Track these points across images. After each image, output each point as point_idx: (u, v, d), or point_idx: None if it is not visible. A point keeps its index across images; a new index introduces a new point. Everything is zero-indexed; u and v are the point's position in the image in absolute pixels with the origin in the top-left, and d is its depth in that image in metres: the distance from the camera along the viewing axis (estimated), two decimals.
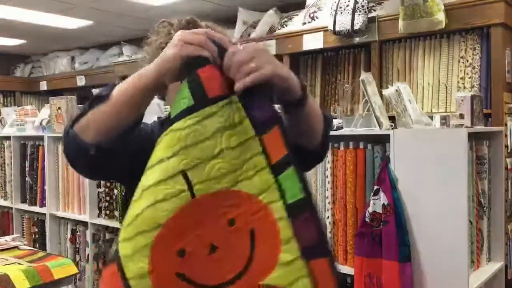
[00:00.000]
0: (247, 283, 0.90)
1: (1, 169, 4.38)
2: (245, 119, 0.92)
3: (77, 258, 3.71)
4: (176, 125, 0.89)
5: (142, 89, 0.94)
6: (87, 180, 3.48)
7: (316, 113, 1.10)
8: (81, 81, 6.01)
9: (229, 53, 0.92)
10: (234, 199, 0.91)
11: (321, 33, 3.39)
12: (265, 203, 0.91)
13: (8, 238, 2.84)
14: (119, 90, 0.96)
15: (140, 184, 0.90)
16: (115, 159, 1.00)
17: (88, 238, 3.53)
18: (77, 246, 3.73)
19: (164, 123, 0.92)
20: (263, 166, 0.92)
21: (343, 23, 3.12)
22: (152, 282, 0.87)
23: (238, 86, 0.90)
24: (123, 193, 3.31)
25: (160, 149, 0.89)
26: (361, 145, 2.29)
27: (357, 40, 3.21)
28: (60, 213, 3.80)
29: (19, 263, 2.40)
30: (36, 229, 4.05)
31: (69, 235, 3.77)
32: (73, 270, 2.47)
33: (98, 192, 3.50)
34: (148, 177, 0.89)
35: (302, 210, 0.91)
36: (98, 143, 0.97)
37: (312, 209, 0.93)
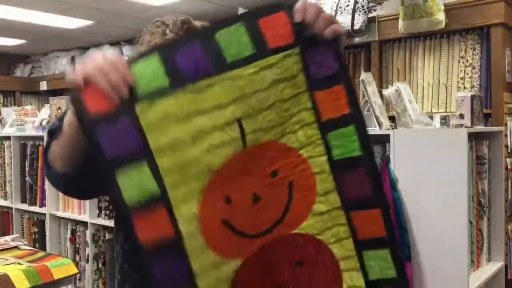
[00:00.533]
0: (281, 233, 0.95)
1: (1, 169, 4.38)
2: (300, 72, 0.92)
3: (77, 258, 3.71)
4: (234, 73, 0.88)
5: (70, 123, 0.92)
6: None
7: None
8: None
9: (303, 3, 0.92)
10: (278, 151, 0.94)
11: None
12: (305, 157, 0.95)
13: (8, 238, 2.84)
14: (66, 121, 0.94)
15: (183, 130, 0.86)
16: (89, 180, 0.98)
17: (88, 238, 3.52)
18: (77, 246, 3.72)
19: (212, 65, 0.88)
20: (310, 121, 0.94)
21: (343, 23, 3.11)
22: (200, 226, 0.88)
23: (330, 31, 0.92)
24: None
25: (217, 95, 0.87)
26: None
27: (357, 40, 3.21)
28: (60, 213, 3.80)
29: (19, 263, 2.39)
30: (36, 229, 4.05)
31: (69, 235, 3.77)
32: (73, 270, 2.47)
33: None
34: (201, 120, 0.87)
35: (358, 165, 0.94)
36: (66, 172, 0.99)
37: (370, 166, 0.96)
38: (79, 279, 3.63)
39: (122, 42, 5.74)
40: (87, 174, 0.97)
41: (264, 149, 0.93)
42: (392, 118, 2.36)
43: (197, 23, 1.22)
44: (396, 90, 2.22)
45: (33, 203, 4.05)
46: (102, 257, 3.49)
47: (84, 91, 0.82)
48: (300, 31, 0.91)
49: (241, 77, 0.88)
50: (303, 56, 0.92)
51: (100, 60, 0.83)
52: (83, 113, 0.82)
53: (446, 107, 2.90)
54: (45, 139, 1.06)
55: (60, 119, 0.98)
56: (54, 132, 0.99)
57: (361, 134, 0.95)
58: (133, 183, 0.84)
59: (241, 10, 4.10)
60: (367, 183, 0.95)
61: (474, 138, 2.24)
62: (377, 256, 0.96)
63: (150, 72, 0.86)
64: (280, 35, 0.90)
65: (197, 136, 0.87)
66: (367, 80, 2.28)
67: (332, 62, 0.93)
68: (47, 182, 3.82)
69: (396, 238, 1.03)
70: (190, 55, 0.87)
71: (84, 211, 3.60)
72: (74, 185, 1.03)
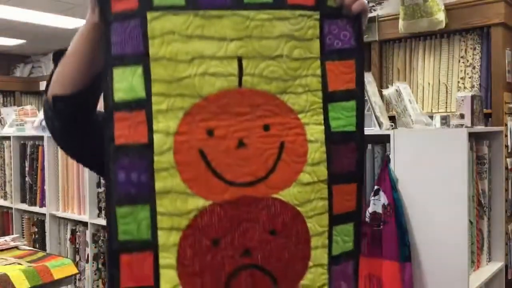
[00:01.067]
0: (261, 191, 0.91)
1: (1, 169, 4.38)
2: (317, 39, 0.94)
3: (77, 258, 3.70)
4: (246, 12, 0.90)
5: (84, 30, 0.97)
6: (87, 180, 3.48)
7: None
8: None
9: None
10: (276, 107, 0.92)
11: None
12: (303, 122, 0.94)
13: (8, 238, 2.84)
14: (75, 36, 0.98)
15: (183, 48, 0.88)
16: (86, 111, 0.98)
17: (88, 238, 3.52)
18: (77, 246, 3.72)
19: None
20: (315, 88, 0.94)
21: None
22: (174, 144, 0.87)
23: (357, 5, 0.94)
24: None
25: (223, 27, 0.89)
26: None
27: None
28: (60, 213, 3.80)
29: (19, 263, 2.39)
30: (36, 229, 4.05)
31: (69, 235, 3.77)
32: (73, 270, 2.47)
33: (98, 192, 3.50)
34: (202, 45, 0.89)
35: (351, 140, 0.96)
36: (60, 95, 0.96)
37: (360, 142, 0.98)
38: (79, 279, 3.63)
39: None
40: (82, 104, 0.97)
41: (261, 97, 0.92)
42: (392, 118, 2.35)
43: None
44: (396, 90, 2.22)
45: (33, 203, 4.05)
46: (102, 257, 3.49)
47: None
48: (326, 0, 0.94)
49: (252, 18, 0.90)
50: (322, 24, 0.94)
51: None
52: (106, 7, 0.89)
53: (446, 107, 2.90)
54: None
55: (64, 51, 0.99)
56: (58, 55, 0.99)
57: (360, 111, 0.97)
58: (125, 83, 0.87)
59: None
60: (354, 158, 0.97)
61: (474, 138, 2.24)
62: (344, 230, 0.98)
63: None
64: None
65: (194, 58, 0.88)
66: (367, 80, 2.28)
67: (350, 37, 0.96)
68: (47, 182, 3.82)
69: (361, 211, 1.02)
70: None
71: (84, 211, 3.59)
72: (67, 112, 0.97)
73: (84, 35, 0.96)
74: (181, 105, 0.88)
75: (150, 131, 0.87)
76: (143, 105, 0.87)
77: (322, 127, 0.95)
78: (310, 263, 0.95)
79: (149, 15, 0.87)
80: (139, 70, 0.87)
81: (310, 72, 0.94)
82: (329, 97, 0.95)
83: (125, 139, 0.87)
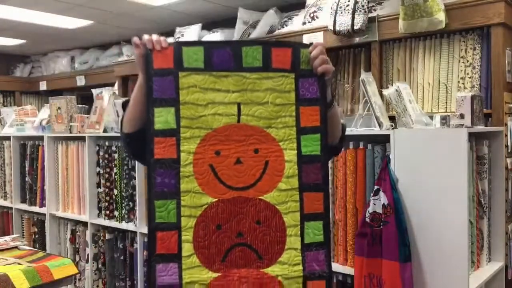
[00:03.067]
0: (251, 194, 1.34)
1: (1, 169, 4.38)
2: (293, 91, 1.37)
3: (77, 258, 3.71)
4: (244, 73, 1.35)
5: (138, 84, 1.42)
6: (87, 180, 3.49)
7: (338, 119, 1.52)
8: (81, 81, 6.01)
9: (315, 44, 1.38)
10: (264, 137, 1.36)
11: (321, 33, 3.39)
12: (282, 148, 1.36)
13: (8, 238, 2.84)
14: (131, 97, 1.46)
15: (202, 97, 1.34)
16: (142, 140, 1.39)
17: (88, 238, 3.52)
18: (77, 246, 3.72)
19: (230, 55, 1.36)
20: (291, 125, 1.36)
21: (343, 23, 3.11)
22: (193, 160, 1.33)
23: (321, 69, 1.36)
24: (122, 193, 3.31)
25: (228, 83, 1.35)
26: (361, 145, 2.28)
27: (357, 40, 3.21)
28: (60, 213, 3.80)
29: (19, 263, 2.39)
30: (36, 229, 4.05)
31: (69, 235, 3.77)
32: (73, 270, 2.47)
33: (98, 192, 3.50)
34: (214, 95, 1.35)
35: (316, 160, 1.35)
36: (130, 131, 1.46)
37: (324, 162, 1.37)
38: (79, 279, 3.63)
39: (122, 42, 5.74)
40: (141, 136, 1.39)
41: (253, 130, 1.35)
42: (392, 118, 2.35)
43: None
44: (396, 90, 2.21)
45: (33, 203, 4.05)
46: (102, 257, 3.49)
47: (153, 53, 1.35)
48: (299, 64, 1.36)
49: (248, 77, 1.36)
50: (297, 81, 1.37)
51: (149, 36, 1.40)
52: (150, 67, 1.34)
53: (446, 107, 2.90)
54: (120, 113, 1.58)
55: (128, 100, 1.49)
56: (126, 103, 1.50)
57: (323, 140, 1.36)
58: (162, 118, 1.33)
59: (241, 10, 4.10)
60: (320, 174, 1.36)
61: (474, 138, 2.24)
62: (314, 225, 1.35)
63: (195, 56, 1.35)
64: (282, 62, 1.36)
65: (208, 103, 1.34)
66: (367, 80, 2.28)
67: (316, 91, 1.37)
68: (47, 182, 3.82)
69: (329, 214, 1.40)
70: (222, 54, 1.35)
71: (84, 211, 3.60)
72: (133, 143, 1.48)
73: (138, 88, 1.41)
74: (198, 134, 1.34)
75: (178, 151, 1.33)
76: (174, 133, 1.33)
77: (295, 152, 1.36)
78: (286, 247, 1.34)
79: (180, 74, 1.34)
80: (172, 110, 1.33)
81: (287, 114, 1.37)
82: (301, 131, 1.36)
83: (161, 155, 1.32)
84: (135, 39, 1.40)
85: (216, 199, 1.32)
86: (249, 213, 1.33)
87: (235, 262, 1.32)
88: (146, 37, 1.39)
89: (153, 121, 1.32)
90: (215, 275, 1.31)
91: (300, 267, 1.33)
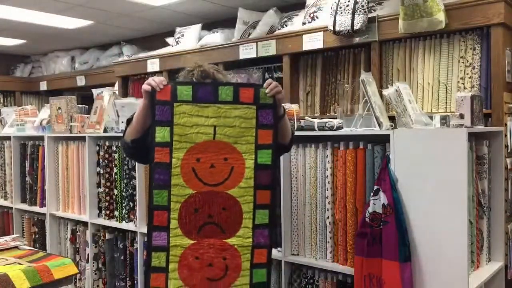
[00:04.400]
0: (220, 189, 1.87)
1: (1, 169, 4.38)
2: (254, 118, 1.88)
3: (77, 258, 3.71)
4: (219, 105, 1.86)
5: (140, 111, 1.95)
6: (87, 180, 3.49)
7: (288, 126, 2.05)
8: (81, 81, 6.01)
9: (269, 81, 1.92)
10: (231, 149, 1.88)
11: (321, 33, 3.39)
12: (244, 158, 1.88)
13: (8, 238, 2.84)
14: (137, 110, 1.96)
15: (189, 120, 1.85)
16: (144, 145, 1.95)
17: (88, 238, 3.53)
18: (77, 246, 3.72)
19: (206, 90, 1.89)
20: (251, 142, 1.88)
21: (343, 23, 3.12)
22: (181, 164, 1.85)
23: (274, 91, 1.90)
24: (122, 193, 3.31)
25: (208, 111, 1.86)
26: (361, 145, 2.29)
27: (357, 40, 3.21)
28: (60, 213, 3.80)
29: (19, 263, 2.39)
30: (36, 229, 4.05)
31: (69, 235, 3.77)
32: (73, 270, 2.47)
33: (98, 192, 3.50)
34: (197, 119, 1.85)
35: (267, 168, 1.89)
36: (134, 138, 1.98)
37: (273, 168, 1.91)
38: (79, 279, 3.63)
39: (122, 42, 5.75)
40: (144, 142, 1.95)
41: (224, 144, 1.87)
42: (392, 118, 2.36)
43: (211, 69, 2.08)
44: (396, 90, 2.22)
45: (33, 203, 4.05)
46: (102, 257, 3.49)
47: (157, 92, 1.86)
48: (259, 99, 1.88)
49: (222, 108, 1.87)
50: (257, 111, 1.88)
51: (153, 79, 1.89)
52: (154, 99, 1.86)
53: (446, 107, 2.90)
54: (123, 127, 2.18)
55: (132, 115, 2.00)
56: (130, 120, 2.00)
57: (273, 154, 1.90)
58: (161, 134, 1.85)
59: (241, 10, 4.11)
60: (270, 177, 1.90)
61: (474, 138, 2.24)
62: (262, 212, 1.90)
63: (185, 92, 1.87)
64: (247, 97, 1.88)
65: (193, 125, 1.86)
66: (367, 80, 2.28)
67: (271, 119, 1.89)
68: (47, 182, 3.83)
69: (275, 204, 2.04)
70: (205, 91, 1.88)
71: (84, 211, 3.60)
72: (136, 149, 2.00)
73: (141, 109, 1.93)
74: (185, 146, 1.86)
75: (171, 157, 1.85)
76: (168, 145, 1.85)
77: (253, 161, 1.88)
78: (242, 225, 1.88)
79: (175, 104, 1.86)
80: (168, 129, 1.85)
81: (249, 134, 1.88)
82: (258, 147, 1.89)
83: (159, 160, 1.85)
84: (146, 87, 1.88)
85: (195, 191, 1.86)
86: (217, 202, 1.86)
87: (206, 234, 1.86)
88: (152, 82, 1.86)
89: (155, 136, 1.84)
90: (192, 242, 1.85)
91: (250, 239, 1.88)
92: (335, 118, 2.48)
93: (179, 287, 1.83)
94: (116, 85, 5.03)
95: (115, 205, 3.38)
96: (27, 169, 4.11)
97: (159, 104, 1.83)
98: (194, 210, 1.84)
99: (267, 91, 1.87)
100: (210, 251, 1.85)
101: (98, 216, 3.52)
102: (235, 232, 1.86)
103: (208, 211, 1.85)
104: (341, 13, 3.13)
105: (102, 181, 3.45)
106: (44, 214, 3.89)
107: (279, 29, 3.85)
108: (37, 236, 4.04)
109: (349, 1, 3.10)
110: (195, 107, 1.84)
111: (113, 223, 3.36)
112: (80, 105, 3.91)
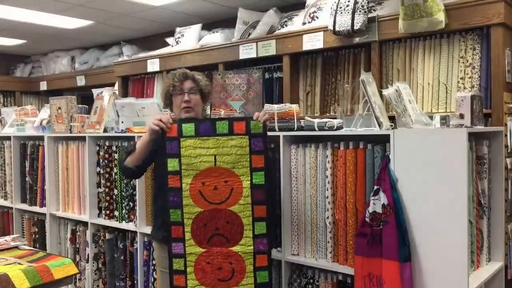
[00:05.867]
0: (223, 207, 2.17)
1: (1, 169, 4.38)
2: (247, 146, 2.18)
3: (77, 258, 3.71)
4: (218, 137, 2.17)
5: (144, 143, 2.31)
6: (87, 180, 3.49)
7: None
8: (81, 81, 6.01)
9: (256, 114, 2.22)
10: (230, 173, 2.18)
11: (321, 33, 3.39)
12: (241, 180, 2.19)
13: (8, 238, 2.84)
14: (138, 145, 2.33)
15: (193, 152, 2.17)
16: (144, 168, 2.45)
17: (88, 238, 3.53)
18: (77, 246, 3.73)
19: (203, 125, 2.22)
20: (247, 166, 2.19)
21: (343, 23, 3.11)
22: (189, 188, 2.17)
23: (265, 118, 2.21)
24: (122, 193, 3.31)
25: (208, 143, 2.17)
26: (361, 145, 2.29)
27: (357, 40, 3.21)
28: (60, 213, 3.80)
29: (19, 263, 2.40)
30: (36, 229, 4.05)
31: (69, 235, 3.77)
32: (73, 270, 2.47)
33: (98, 192, 3.50)
34: (198, 151, 2.17)
35: (261, 187, 2.18)
36: (136, 165, 2.37)
37: (268, 188, 2.21)
38: (79, 279, 3.63)
39: (122, 42, 5.75)
40: (144, 167, 2.44)
41: (224, 170, 2.18)
42: (392, 118, 2.36)
43: (195, 74, 2.48)
44: (396, 90, 2.22)
45: (33, 203, 4.05)
46: (102, 257, 3.49)
47: (166, 130, 2.18)
48: (250, 130, 2.18)
49: (220, 139, 2.18)
50: (250, 140, 2.18)
51: (159, 117, 2.20)
52: (164, 136, 2.19)
53: (446, 107, 2.90)
54: (122, 156, 2.48)
55: (133, 145, 2.42)
56: (130, 151, 2.37)
57: (266, 175, 2.18)
58: (172, 164, 2.18)
59: (241, 10, 4.10)
60: (264, 194, 2.19)
61: (474, 138, 2.24)
62: (260, 224, 2.18)
63: (189, 129, 2.18)
64: (240, 129, 2.18)
65: (197, 155, 2.18)
66: (367, 80, 2.28)
67: (262, 145, 2.18)
68: (47, 182, 3.83)
69: (271, 215, 2.24)
70: (205, 127, 2.19)
71: (84, 211, 3.60)
72: (137, 172, 2.44)
73: (144, 143, 2.30)
74: (192, 173, 2.18)
75: (181, 183, 2.18)
76: (178, 173, 2.18)
77: (249, 182, 2.18)
78: (244, 236, 2.18)
79: (181, 139, 2.18)
80: (177, 160, 2.18)
81: (244, 160, 2.18)
82: (253, 170, 2.18)
83: (172, 185, 2.18)
84: (155, 127, 2.18)
85: (203, 209, 2.18)
86: (222, 217, 2.18)
87: (214, 244, 2.19)
88: (162, 124, 2.17)
89: (167, 166, 2.18)
90: (203, 250, 2.19)
91: (252, 247, 2.19)
92: (335, 118, 2.48)
93: (196, 286, 2.19)
94: (116, 85, 5.03)
95: (115, 205, 3.38)
96: (27, 169, 4.11)
97: (168, 140, 2.18)
98: (203, 225, 2.17)
99: (259, 119, 2.20)
100: (218, 257, 2.18)
101: (98, 216, 3.52)
102: (238, 241, 2.18)
103: (215, 225, 2.18)
104: (341, 13, 3.13)
105: (102, 181, 3.45)
106: (44, 214, 3.89)
107: (279, 29, 3.85)
108: (37, 236, 4.04)
109: (349, 1, 3.10)
110: (198, 140, 2.17)
111: (113, 223, 3.36)
112: (80, 105, 3.91)
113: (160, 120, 2.17)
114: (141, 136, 2.47)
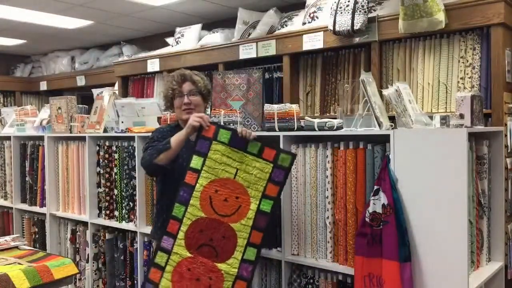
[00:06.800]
0: (225, 220, 2.17)
1: (1, 169, 4.38)
2: (268, 173, 2.21)
3: (77, 258, 3.71)
4: (246, 154, 2.21)
5: (182, 139, 2.24)
6: (87, 180, 3.49)
7: None
8: (81, 81, 6.01)
9: (243, 130, 2.22)
10: (244, 192, 2.21)
11: (321, 33, 3.39)
12: (251, 201, 2.20)
13: (8, 238, 2.84)
14: (175, 142, 2.24)
15: (220, 158, 2.20)
16: (164, 168, 2.30)
17: (88, 238, 3.53)
18: (77, 246, 3.73)
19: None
20: (260, 190, 2.21)
21: (343, 23, 3.11)
22: (202, 190, 2.18)
23: (251, 137, 2.22)
24: (122, 193, 3.31)
25: (236, 155, 2.21)
26: (361, 145, 2.29)
27: (357, 40, 3.21)
28: (60, 213, 3.81)
29: (19, 263, 2.40)
30: (36, 229, 4.05)
31: (69, 235, 3.77)
32: (73, 270, 2.47)
33: (98, 192, 3.50)
34: (224, 159, 2.20)
35: (266, 214, 2.20)
36: (164, 164, 2.26)
37: (271, 216, 2.21)
38: (79, 279, 3.64)
39: (122, 42, 5.75)
40: (166, 166, 2.29)
41: (239, 186, 2.20)
42: (392, 118, 2.36)
43: (193, 74, 2.48)
44: (396, 90, 2.22)
45: (33, 203, 4.05)
46: (102, 257, 3.49)
47: (203, 130, 2.21)
48: (277, 161, 2.21)
49: (247, 157, 2.21)
50: (273, 168, 2.21)
51: (201, 115, 2.24)
52: (200, 133, 2.21)
53: (446, 107, 2.90)
54: (150, 154, 2.30)
55: (168, 142, 2.25)
56: (166, 149, 2.24)
57: (274, 206, 2.21)
58: (195, 161, 2.20)
59: (241, 10, 4.10)
60: (265, 223, 2.19)
61: (474, 138, 2.25)
62: (251, 250, 2.18)
63: (225, 135, 2.21)
64: (269, 155, 2.21)
65: (222, 163, 2.20)
66: (367, 80, 2.28)
67: (282, 177, 2.21)
68: (47, 182, 3.83)
69: (263, 244, 2.22)
70: (239, 140, 2.20)
71: (84, 211, 3.60)
72: (160, 170, 2.31)
73: (181, 139, 2.23)
74: (210, 177, 2.20)
75: (196, 182, 2.18)
76: (198, 172, 2.19)
77: (257, 206, 2.19)
78: (232, 256, 2.17)
79: (213, 142, 2.21)
80: (202, 159, 2.19)
81: (261, 184, 2.20)
82: (264, 196, 2.20)
83: (188, 181, 2.19)
84: (195, 124, 2.19)
85: (206, 216, 2.18)
86: (220, 230, 2.18)
87: (202, 253, 2.17)
88: (202, 122, 2.19)
89: (191, 162, 2.19)
90: (189, 255, 2.16)
91: (236, 270, 2.16)
92: (335, 118, 2.48)
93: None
94: (116, 85, 5.03)
95: (115, 205, 3.38)
96: (27, 169, 4.11)
97: (202, 139, 2.21)
98: (200, 231, 2.16)
99: (243, 134, 2.22)
100: (201, 268, 2.15)
101: (98, 216, 3.52)
102: (226, 259, 2.16)
103: (211, 235, 2.17)
104: (341, 13, 3.13)
105: (102, 181, 3.45)
106: (44, 214, 3.89)
107: (279, 29, 3.85)
108: (37, 236, 4.04)
109: (349, 1, 3.10)
110: (228, 149, 2.20)
111: (113, 223, 3.36)
112: (80, 105, 3.92)
113: (201, 118, 2.19)
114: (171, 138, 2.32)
